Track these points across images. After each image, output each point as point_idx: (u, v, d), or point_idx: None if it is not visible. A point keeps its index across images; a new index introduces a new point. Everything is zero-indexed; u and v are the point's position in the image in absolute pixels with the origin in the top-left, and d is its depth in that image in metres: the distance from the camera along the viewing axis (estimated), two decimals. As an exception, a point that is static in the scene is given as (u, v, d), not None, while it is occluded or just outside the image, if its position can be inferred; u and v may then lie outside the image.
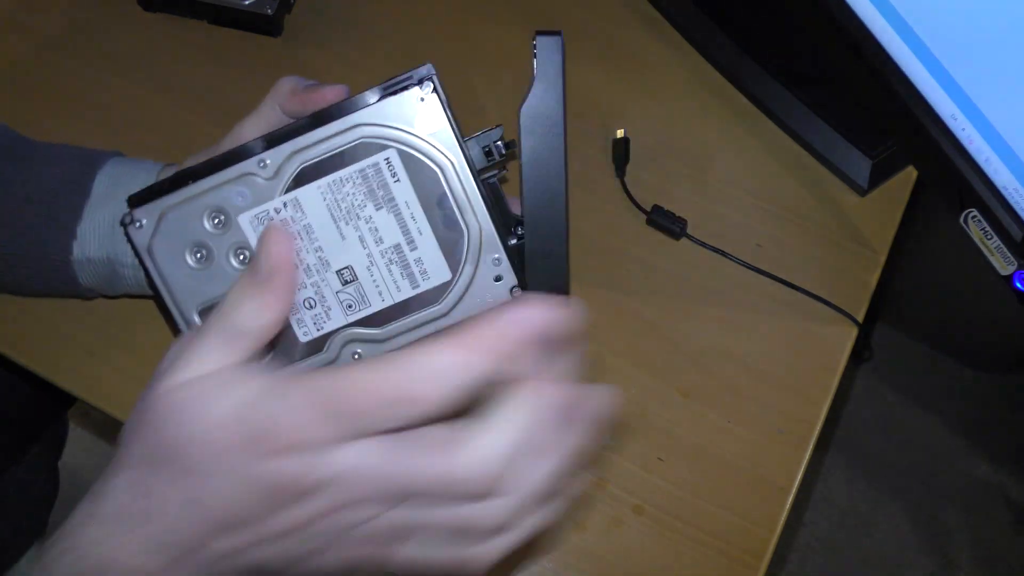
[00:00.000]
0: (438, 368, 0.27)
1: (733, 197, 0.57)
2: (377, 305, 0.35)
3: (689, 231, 0.55)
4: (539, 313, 0.29)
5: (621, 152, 0.57)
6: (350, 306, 0.35)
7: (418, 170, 0.34)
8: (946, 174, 0.46)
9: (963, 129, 0.44)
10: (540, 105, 0.34)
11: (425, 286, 0.35)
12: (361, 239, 0.34)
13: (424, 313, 0.35)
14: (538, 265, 0.35)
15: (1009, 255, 0.45)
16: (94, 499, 0.30)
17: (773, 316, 0.53)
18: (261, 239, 0.32)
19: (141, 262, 0.35)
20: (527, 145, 0.34)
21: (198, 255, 0.35)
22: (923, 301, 1.33)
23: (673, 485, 0.48)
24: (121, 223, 0.35)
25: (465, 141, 0.34)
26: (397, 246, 0.34)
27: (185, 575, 0.29)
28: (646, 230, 0.56)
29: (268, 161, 0.34)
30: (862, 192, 0.57)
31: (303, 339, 0.35)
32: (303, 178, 0.34)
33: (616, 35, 0.63)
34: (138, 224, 0.34)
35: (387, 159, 0.34)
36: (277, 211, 0.34)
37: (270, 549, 0.29)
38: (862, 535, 1.28)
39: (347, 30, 0.63)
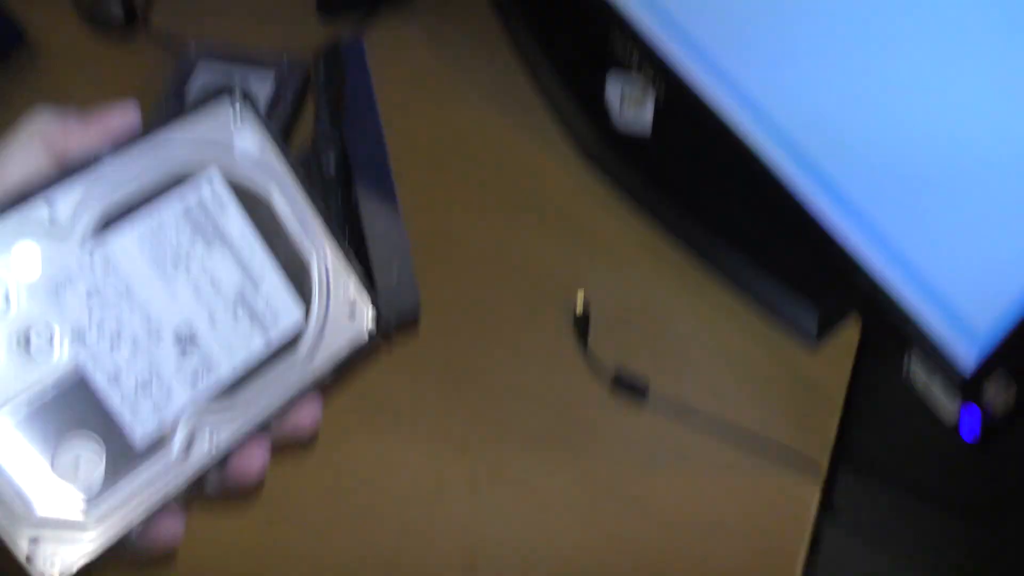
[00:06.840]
0: None
1: (693, 355, 0.58)
2: (226, 368, 0.29)
3: (653, 392, 0.56)
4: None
5: (583, 323, 0.58)
6: (195, 376, 0.28)
7: (245, 194, 0.30)
8: (884, 321, 0.48)
9: (895, 277, 0.47)
10: (357, 114, 0.31)
11: (276, 331, 0.30)
12: (197, 289, 0.29)
13: (283, 368, 0.30)
14: (392, 291, 0.32)
15: (949, 405, 0.46)
16: None
17: (739, 473, 0.53)
18: None
19: None
20: (353, 154, 0.31)
21: None
22: (888, 446, 1.31)
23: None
24: None
25: (292, 156, 0.31)
26: (240, 291, 0.29)
27: None
28: (610, 395, 0.56)
29: (59, 208, 0.26)
30: (812, 340, 0.58)
31: (139, 440, 0.27)
32: (108, 224, 0.27)
33: (566, 205, 0.66)
34: None
35: (210, 182, 0.29)
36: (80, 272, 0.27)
37: None
38: None
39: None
